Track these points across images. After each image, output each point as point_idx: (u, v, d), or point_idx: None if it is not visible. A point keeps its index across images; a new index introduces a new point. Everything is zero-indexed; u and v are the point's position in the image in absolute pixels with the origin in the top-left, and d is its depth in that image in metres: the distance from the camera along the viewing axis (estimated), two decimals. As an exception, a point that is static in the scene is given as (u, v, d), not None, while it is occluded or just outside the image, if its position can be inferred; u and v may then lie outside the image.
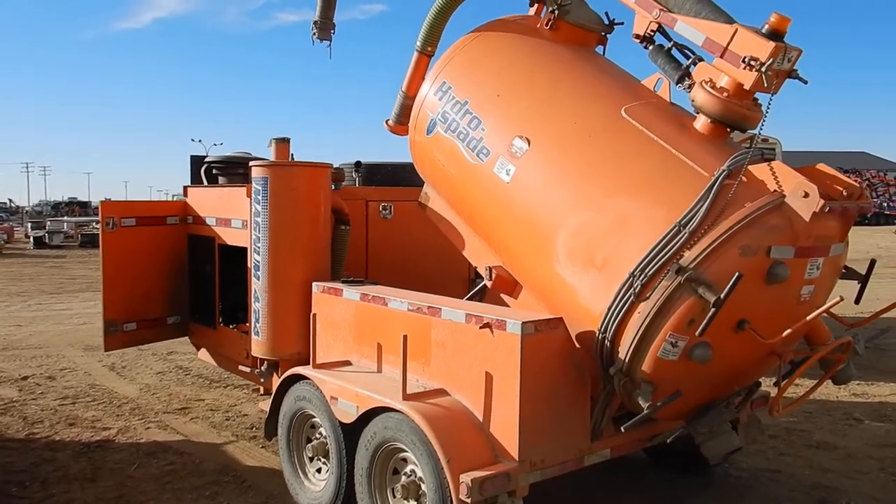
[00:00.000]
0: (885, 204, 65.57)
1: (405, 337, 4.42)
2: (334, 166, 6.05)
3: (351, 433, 4.76)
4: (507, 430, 4.11)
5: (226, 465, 6.13)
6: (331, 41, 8.04)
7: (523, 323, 4.02)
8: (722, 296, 3.57)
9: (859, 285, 4.47)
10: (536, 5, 5.45)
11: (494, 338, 4.15)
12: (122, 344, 7.06)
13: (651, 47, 4.83)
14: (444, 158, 5.18)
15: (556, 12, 5.12)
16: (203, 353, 7.24)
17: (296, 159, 5.98)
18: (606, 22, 5.30)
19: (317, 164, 5.77)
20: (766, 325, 3.87)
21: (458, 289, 6.82)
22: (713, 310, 3.60)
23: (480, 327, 4.20)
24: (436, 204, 5.69)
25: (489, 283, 5.06)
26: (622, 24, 5.27)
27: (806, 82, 4.25)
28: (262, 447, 6.52)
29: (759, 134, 4.11)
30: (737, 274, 3.56)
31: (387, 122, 5.89)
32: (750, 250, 3.73)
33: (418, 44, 5.59)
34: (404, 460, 4.48)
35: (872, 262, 4.52)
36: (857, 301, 4.47)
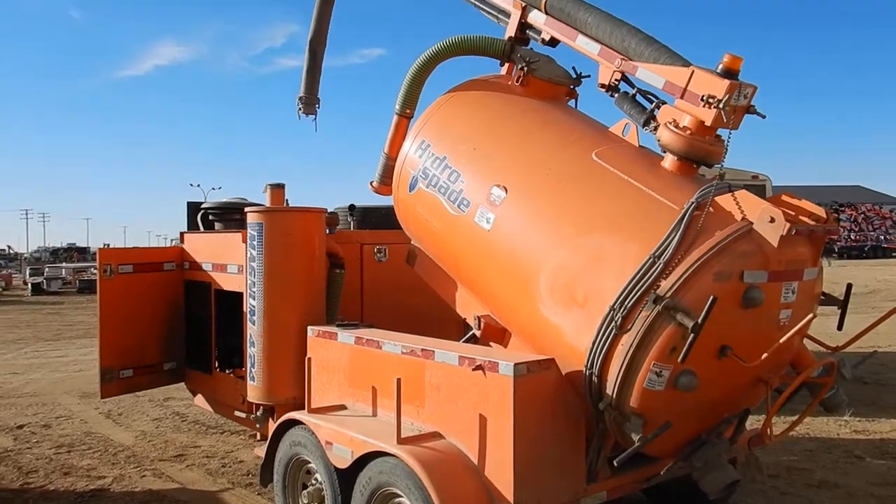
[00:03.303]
0: (882, 237, 65.81)
1: (399, 380, 4.43)
2: (329, 211, 6.12)
3: (346, 478, 4.73)
4: (501, 473, 4.10)
5: (222, 513, 6.08)
6: (316, 115, 8.28)
7: (515, 364, 4.03)
8: (699, 320, 3.66)
9: (839, 311, 4.59)
10: (507, 64, 5.73)
11: (487, 380, 4.16)
12: (119, 391, 7.04)
13: (616, 95, 5.06)
14: (427, 213, 5.32)
15: (525, 69, 5.39)
16: (199, 400, 7.22)
17: (290, 205, 6.03)
18: (574, 75, 5.58)
19: (311, 210, 5.84)
20: (748, 351, 3.94)
21: (453, 330, 6.82)
22: (692, 335, 3.69)
23: (473, 369, 4.22)
24: (423, 259, 5.82)
25: (478, 333, 5.13)
26: (588, 76, 5.53)
27: (764, 117, 4.47)
28: (259, 494, 6.47)
29: (723, 167, 4.28)
30: (712, 297, 3.66)
31: (371, 183, 6.05)
32: (723, 276, 3.85)
33: (397, 107, 5.81)
34: (400, 505, 4.45)
35: (849, 287, 4.64)
36: (840, 327, 4.60)
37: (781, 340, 3.97)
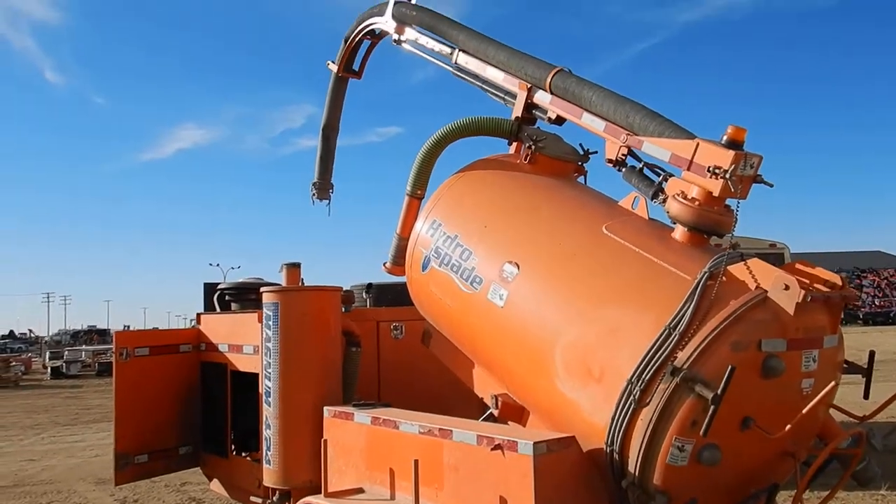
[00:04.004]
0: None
1: (416, 461, 4.34)
2: (345, 289, 6.12)
3: (364, 565, 4.59)
4: (524, 557, 3.96)
5: None
6: (329, 200, 8.42)
7: (535, 443, 3.94)
8: (719, 391, 3.58)
9: (864, 379, 4.47)
10: (515, 143, 5.80)
11: (506, 459, 4.06)
12: (134, 477, 6.94)
13: (624, 169, 5.09)
14: (440, 292, 5.32)
15: (533, 147, 5.47)
16: (215, 484, 7.10)
17: (306, 284, 6.05)
18: (581, 152, 5.64)
19: (326, 288, 5.85)
20: (772, 422, 3.84)
21: (471, 408, 6.72)
22: (713, 407, 3.60)
23: (492, 449, 4.13)
24: (438, 339, 5.80)
25: (496, 412, 5.05)
26: (595, 152, 5.60)
27: (771, 185, 4.48)
28: (275, 582, 6.27)
29: (733, 236, 4.25)
30: (730, 367, 3.59)
31: (385, 264, 6.09)
32: (741, 345, 3.78)
33: (408, 188, 5.87)
34: (419, 593, 4.30)
35: (872, 354, 4.53)
36: (866, 395, 4.47)
37: (805, 410, 3.87)
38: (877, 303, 63.07)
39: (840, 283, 4.14)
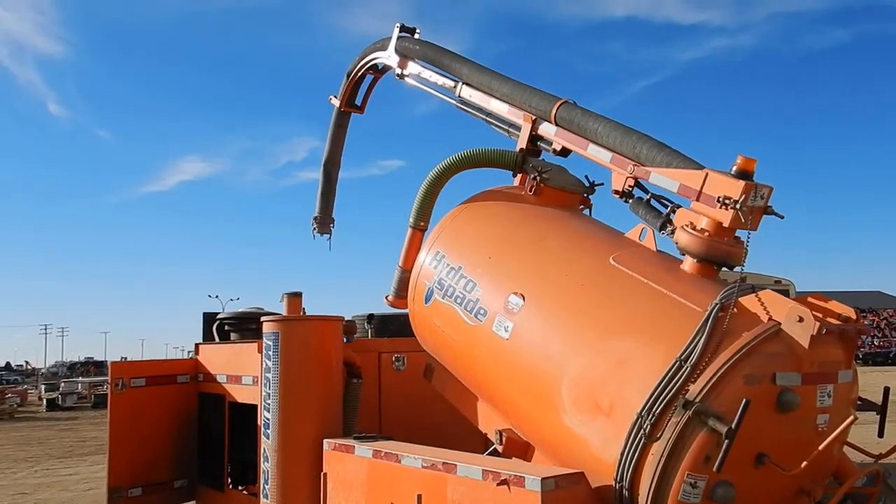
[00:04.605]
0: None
1: (419, 496, 4.20)
2: (346, 319, 6.02)
3: None
4: None
5: None
6: (330, 235, 8.37)
7: (543, 479, 3.82)
8: (733, 425, 3.49)
9: (879, 417, 4.35)
10: (520, 175, 5.75)
11: (512, 495, 3.93)
12: (127, 512, 6.75)
13: (631, 201, 5.04)
14: (443, 324, 5.23)
15: (538, 178, 5.42)
16: (210, 518, 6.92)
17: (308, 313, 5.95)
18: (587, 184, 5.60)
19: (328, 318, 5.75)
20: (787, 459, 3.74)
21: (474, 442, 6.58)
22: (727, 441, 3.50)
23: (498, 484, 4.00)
24: (441, 373, 5.69)
25: (500, 448, 4.93)
26: (601, 184, 5.55)
27: (782, 217, 4.41)
28: None
29: (743, 269, 4.18)
30: (745, 400, 3.50)
31: (387, 297, 6.00)
32: (754, 379, 3.70)
33: (411, 220, 5.80)
34: None
35: (887, 391, 4.43)
36: (881, 434, 4.33)
37: (822, 446, 3.77)
38: (876, 343, 62.79)
39: (854, 316, 4.06)
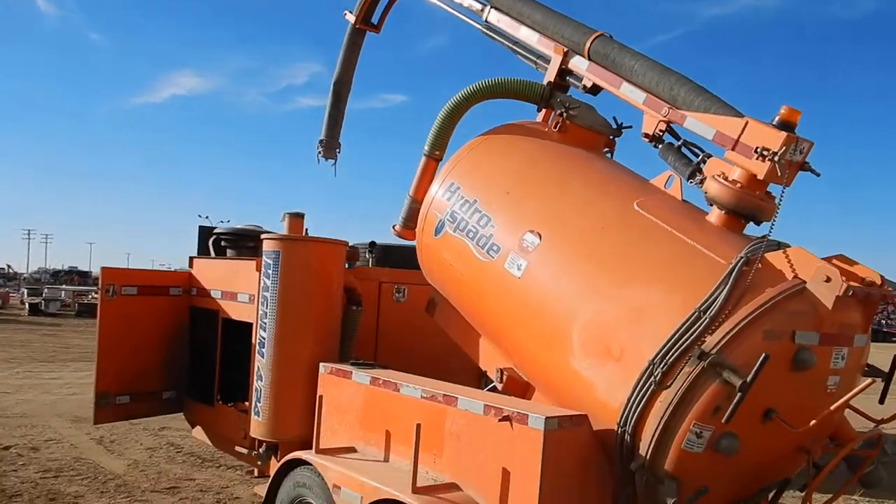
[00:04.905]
0: (884, 321, 64.79)
1: (419, 426, 4.16)
2: (349, 244, 5.89)
3: (353, 526, 4.44)
4: (524, 533, 3.81)
5: (213, 555, 5.76)
6: (336, 160, 8.11)
7: (547, 418, 3.78)
8: (749, 378, 3.45)
9: (883, 383, 4.31)
10: (544, 111, 5.54)
11: (514, 432, 3.90)
12: (114, 417, 6.74)
13: (661, 146, 4.87)
14: (452, 258, 5.11)
15: (565, 115, 5.21)
16: (198, 432, 6.91)
17: (310, 235, 5.82)
18: (615, 126, 5.39)
19: (332, 241, 5.63)
20: (793, 416, 3.72)
21: (468, 380, 6.55)
22: (739, 394, 3.48)
23: (500, 420, 3.96)
24: (444, 308, 5.59)
25: (500, 386, 4.89)
26: (630, 127, 5.36)
27: (818, 174, 4.29)
28: (253, 536, 6.15)
29: (773, 226, 4.06)
30: (763, 355, 3.46)
31: (394, 226, 5.82)
32: (774, 335, 3.65)
33: (426, 148, 5.59)
34: (411, 560, 4.15)
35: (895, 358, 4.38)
36: (882, 400, 4.35)
37: (833, 407, 3.77)
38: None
39: (879, 281, 3.98)
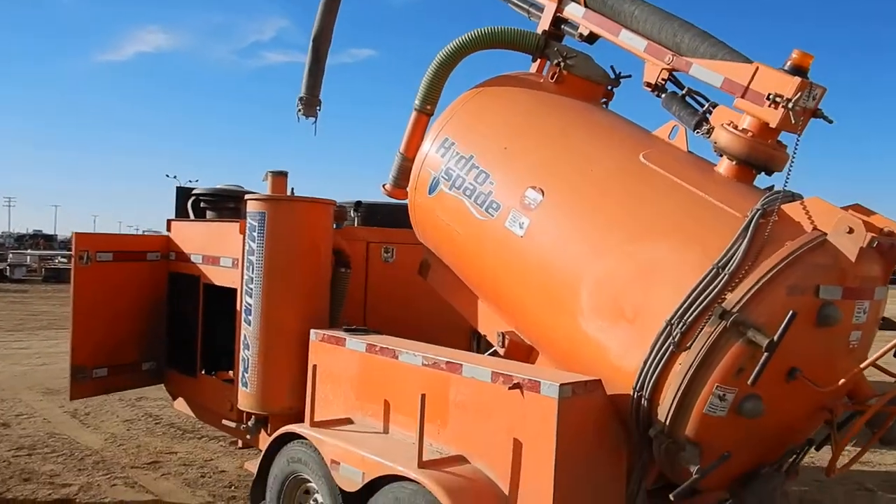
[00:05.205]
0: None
1: (423, 396, 3.93)
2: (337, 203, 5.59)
3: (354, 501, 4.22)
4: (538, 505, 3.62)
5: (202, 531, 5.54)
6: (316, 118, 7.75)
7: (561, 385, 3.57)
8: (776, 337, 3.29)
9: None
10: (538, 61, 5.31)
11: (525, 400, 3.69)
12: (91, 392, 6.42)
13: (664, 95, 4.68)
14: (448, 218, 4.84)
15: (562, 65, 4.97)
16: (180, 403, 6.63)
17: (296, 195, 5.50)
18: (613, 75, 5.16)
19: (320, 201, 5.33)
20: (816, 374, 3.57)
21: (460, 342, 6.35)
22: (766, 354, 3.32)
23: (510, 388, 3.74)
24: (438, 270, 5.35)
25: (501, 351, 4.67)
26: (629, 76, 5.15)
27: (831, 122, 4.12)
28: (243, 510, 5.93)
29: (789, 177, 3.88)
30: (791, 312, 3.30)
31: (384, 186, 5.54)
32: (798, 290, 3.48)
33: (417, 102, 5.30)
34: (417, 537, 3.95)
35: None
36: None
37: (864, 365, 3.64)
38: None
39: None
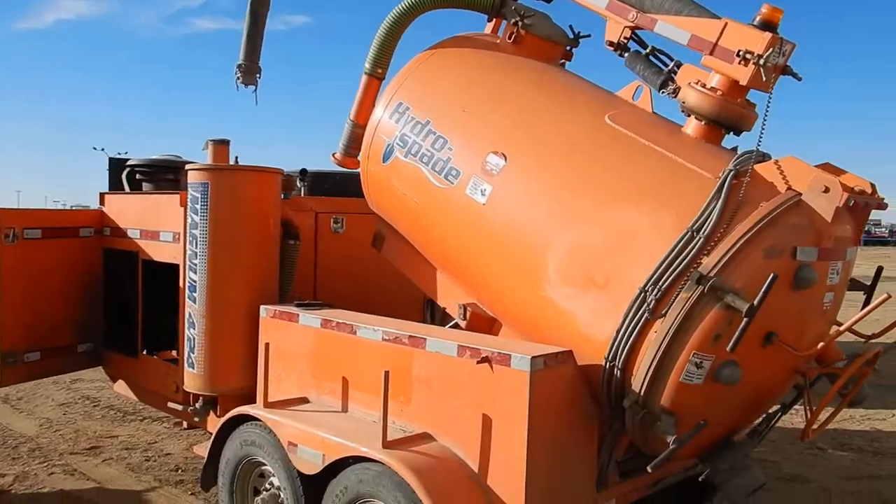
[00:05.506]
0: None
1: (387, 373, 3.73)
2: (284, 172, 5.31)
3: (313, 484, 4.02)
4: (511, 483, 3.49)
5: (149, 519, 5.27)
6: (257, 86, 7.39)
7: (533, 358, 3.42)
8: (756, 302, 3.19)
9: (865, 296, 4.18)
10: (493, 21, 5.09)
11: (495, 375, 3.53)
12: (24, 377, 6.03)
13: (627, 55, 4.54)
14: (405, 186, 4.62)
15: (520, 24, 4.77)
16: (120, 386, 6.30)
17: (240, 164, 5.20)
18: (571, 35, 4.99)
19: (266, 169, 5.03)
20: (792, 338, 3.52)
21: (413, 313, 6.20)
22: (746, 319, 3.22)
23: (478, 362, 3.57)
24: (393, 241, 5.14)
25: (463, 324, 4.50)
26: (588, 36, 4.99)
27: (800, 78, 4.05)
28: (192, 494, 5.68)
29: (761, 139, 3.76)
30: (772, 275, 3.21)
31: (334, 155, 5.26)
32: (775, 252, 3.39)
33: (367, 66, 5.03)
34: (382, 519, 3.78)
35: (879, 270, 4.31)
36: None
37: (844, 328, 3.63)
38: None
39: (870, 189, 3.75)
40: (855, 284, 4.23)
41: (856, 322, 3.61)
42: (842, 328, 3.63)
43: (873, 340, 4.11)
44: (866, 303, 4.21)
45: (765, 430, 4.11)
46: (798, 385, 4.07)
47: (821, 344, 3.54)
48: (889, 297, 3.61)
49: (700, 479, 3.91)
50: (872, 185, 3.78)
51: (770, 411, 4.16)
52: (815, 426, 3.87)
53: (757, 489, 3.98)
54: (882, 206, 3.82)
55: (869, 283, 4.22)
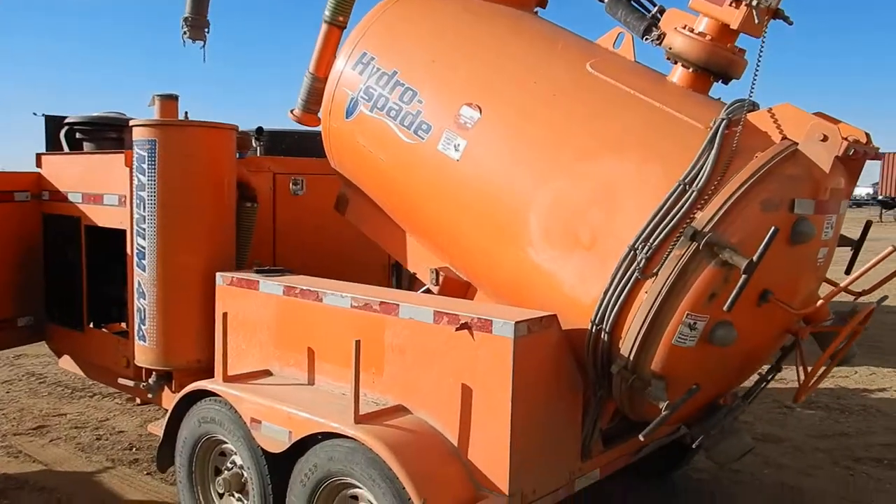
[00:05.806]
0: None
1: (358, 343, 3.45)
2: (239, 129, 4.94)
3: (279, 463, 3.75)
4: (493, 456, 3.28)
5: (102, 502, 4.94)
6: (205, 42, 6.93)
7: (516, 323, 3.17)
8: (755, 258, 3.00)
9: (852, 251, 4.05)
10: None
11: (476, 342, 3.28)
12: (-42, 353, 5.62)
13: (607, 0, 4.28)
14: (371, 143, 4.31)
15: None
16: (66, 361, 5.90)
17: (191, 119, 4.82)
18: None
19: (219, 126, 4.65)
20: (786, 295, 3.35)
21: (377, 277, 5.93)
22: (744, 276, 3.02)
23: (457, 329, 3.32)
24: (358, 204, 4.82)
25: (435, 289, 4.24)
26: None
27: (791, 23, 3.84)
28: (148, 474, 5.36)
29: (754, 89, 3.53)
30: (773, 228, 3.00)
31: (292, 111, 4.88)
32: (772, 205, 3.20)
33: (327, 13, 4.66)
34: (355, 497, 3.53)
35: (868, 225, 4.13)
36: (849, 270, 4.03)
37: (844, 284, 3.48)
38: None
39: (865, 139, 3.57)
40: (843, 240, 4.09)
41: (857, 278, 3.45)
42: (842, 284, 3.48)
43: (861, 299, 3.98)
44: (853, 258, 4.09)
45: (755, 392, 3.95)
46: (784, 346, 3.95)
47: (820, 302, 3.39)
48: (894, 249, 3.43)
49: (693, 446, 3.75)
50: (867, 135, 3.60)
51: (761, 372, 4.01)
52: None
53: (746, 453, 3.83)
54: (878, 156, 3.65)
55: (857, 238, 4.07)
